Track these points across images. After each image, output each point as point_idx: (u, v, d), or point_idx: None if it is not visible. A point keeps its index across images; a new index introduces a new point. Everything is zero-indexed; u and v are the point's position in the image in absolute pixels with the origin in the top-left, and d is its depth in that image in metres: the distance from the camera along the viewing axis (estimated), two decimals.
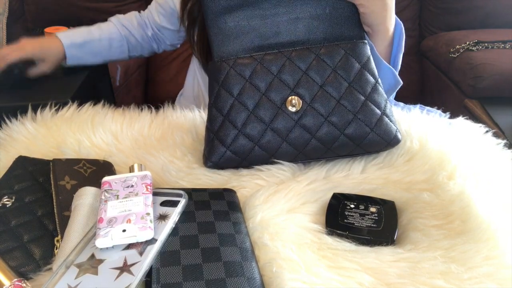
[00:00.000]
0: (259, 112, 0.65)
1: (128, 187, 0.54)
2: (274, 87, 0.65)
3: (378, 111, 0.66)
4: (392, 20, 0.77)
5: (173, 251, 0.47)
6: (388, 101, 0.68)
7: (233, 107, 0.66)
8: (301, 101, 0.65)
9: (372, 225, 0.55)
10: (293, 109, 0.65)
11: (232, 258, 0.47)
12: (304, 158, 0.68)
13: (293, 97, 0.65)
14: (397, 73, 0.81)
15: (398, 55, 0.81)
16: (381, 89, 0.68)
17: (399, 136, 0.68)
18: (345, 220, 0.55)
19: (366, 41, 0.70)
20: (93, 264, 0.45)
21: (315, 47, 0.67)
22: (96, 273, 0.44)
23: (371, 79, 0.67)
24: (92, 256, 0.46)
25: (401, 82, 0.81)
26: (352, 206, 0.58)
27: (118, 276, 0.43)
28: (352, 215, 0.56)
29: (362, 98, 0.66)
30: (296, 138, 0.65)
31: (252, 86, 0.66)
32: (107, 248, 0.47)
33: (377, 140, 0.66)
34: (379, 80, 0.68)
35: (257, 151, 0.65)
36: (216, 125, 0.66)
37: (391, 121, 0.67)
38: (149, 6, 1.14)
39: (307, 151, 0.66)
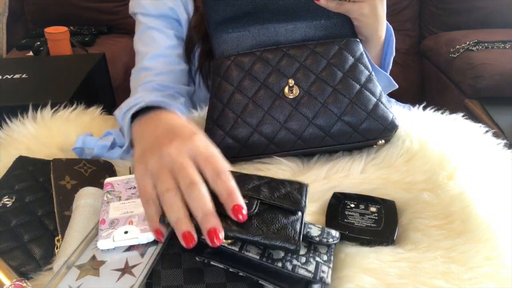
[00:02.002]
0: (258, 100, 0.67)
1: (130, 188, 0.54)
2: (272, 77, 0.68)
3: (373, 98, 0.68)
4: (383, 28, 0.80)
5: (175, 253, 0.47)
6: (383, 92, 0.70)
7: (233, 96, 0.67)
8: (298, 88, 0.67)
9: (372, 225, 0.55)
10: (291, 96, 0.67)
11: None
12: (303, 146, 0.68)
13: (290, 81, 0.67)
14: (388, 75, 0.84)
15: (388, 56, 0.85)
16: (375, 81, 0.70)
17: (396, 121, 0.69)
18: (345, 220, 0.55)
19: (358, 40, 0.73)
20: (94, 265, 0.45)
21: (311, 43, 0.71)
22: (97, 274, 0.44)
23: (365, 71, 0.69)
24: (93, 257, 0.46)
25: (396, 86, 0.85)
26: (352, 205, 0.58)
27: (119, 278, 0.43)
28: (352, 215, 0.56)
29: (357, 86, 0.68)
30: (294, 124, 0.66)
31: (251, 76, 0.68)
32: (108, 249, 0.47)
33: (374, 124, 0.67)
34: (373, 73, 0.70)
35: (256, 137, 0.67)
36: (216, 114, 0.68)
37: (387, 108, 0.68)
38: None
39: (306, 137, 0.67)
